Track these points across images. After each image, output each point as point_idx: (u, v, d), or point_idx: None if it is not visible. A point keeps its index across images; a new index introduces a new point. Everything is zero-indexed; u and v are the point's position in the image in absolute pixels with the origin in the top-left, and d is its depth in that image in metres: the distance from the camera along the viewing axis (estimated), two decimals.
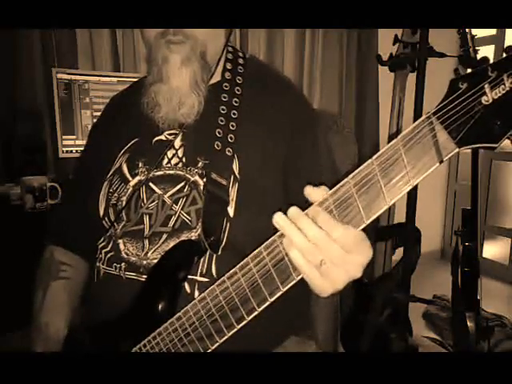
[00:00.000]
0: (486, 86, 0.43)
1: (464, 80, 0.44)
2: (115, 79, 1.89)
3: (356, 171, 0.48)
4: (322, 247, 0.49)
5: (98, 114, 0.96)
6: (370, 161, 0.48)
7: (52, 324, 0.79)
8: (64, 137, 1.80)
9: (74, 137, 1.82)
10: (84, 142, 0.97)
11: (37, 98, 1.89)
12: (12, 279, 1.27)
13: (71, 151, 1.82)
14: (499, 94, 0.43)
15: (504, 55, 0.43)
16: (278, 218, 0.50)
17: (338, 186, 0.49)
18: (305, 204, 0.50)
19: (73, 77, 1.80)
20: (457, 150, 0.46)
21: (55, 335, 0.77)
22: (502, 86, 0.43)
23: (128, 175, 0.80)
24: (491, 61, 0.44)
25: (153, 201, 0.76)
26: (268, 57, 2.50)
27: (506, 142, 0.46)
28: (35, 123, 1.84)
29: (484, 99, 0.44)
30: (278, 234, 0.52)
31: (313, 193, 0.50)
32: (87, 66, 2.04)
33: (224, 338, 0.59)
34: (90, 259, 0.83)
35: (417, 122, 0.46)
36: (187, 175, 0.76)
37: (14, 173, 1.66)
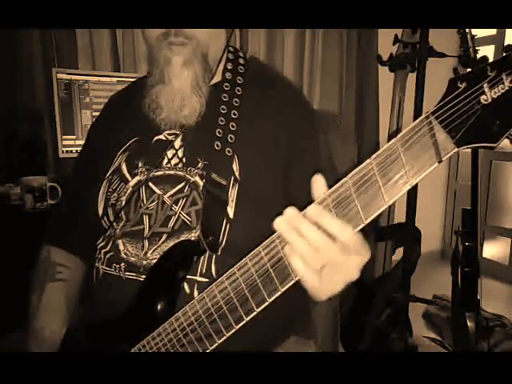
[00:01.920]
0: (485, 85, 0.43)
1: (463, 79, 0.44)
2: (115, 79, 1.89)
3: (355, 171, 0.48)
4: (323, 251, 0.49)
5: (98, 113, 0.96)
6: (368, 160, 0.48)
7: (48, 327, 0.78)
8: (64, 137, 1.80)
9: (74, 137, 1.82)
10: (83, 142, 0.96)
11: (37, 98, 1.89)
12: (12, 279, 1.27)
13: (71, 151, 1.82)
14: (498, 94, 0.43)
15: (503, 54, 0.43)
16: (280, 223, 0.50)
17: (336, 185, 0.49)
18: (305, 204, 0.50)
19: (73, 77, 1.80)
20: (456, 149, 0.46)
21: (51, 338, 0.77)
22: (501, 86, 0.43)
23: (127, 175, 0.80)
24: (490, 60, 0.44)
25: (152, 201, 0.76)
26: (268, 57, 2.50)
27: (506, 142, 0.46)
28: (35, 123, 1.84)
29: (483, 98, 0.43)
30: (276, 234, 0.52)
31: (319, 184, 0.50)
32: (87, 66, 2.04)
33: (223, 339, 0.59)
34: (89, 260, 0.83)
35: (415, 122, 0.46)
36: (187, 176, 0.76)
37: (13, 173, 1.66)
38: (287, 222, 0.49)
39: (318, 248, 0.49)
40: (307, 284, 0.51)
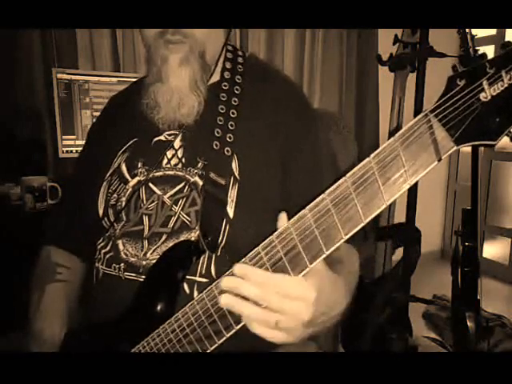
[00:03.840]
0: (485, 82, 0.43)
1: (462, 77, 0.44)
2: (115, 79, 1.89)
3: (354, 170, 0.48)
4: (272, 306, 0.50)
5: (98, 113, 0.96)
6: (367, 159, 0.47)
7: (48, 327, 0.78)
8: (64, 137, 1.80)
9: (73, 137, 1.82)
10: (84, 143, 0.97)
11: (37, 98, 1.89)
12: (12, 279, 1.27)
13: (71, 151, 1.82)
14: (498, 91, 0.42)
15: (502, 51, 0.43)
16: (225, 300, 0.52)
17: (335, 184, 0.49)
18: (304, 204, 0.50)
19: (73, 77, 1.80)
20: (455, 147, 0.45)
21: (50, 339, 0.76)
22: (501, 83, 0.42)
23: (127, 175, 0.80)
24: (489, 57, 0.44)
25: (152, 201, 0.76)
26: (268, 57, 2.50)
27: (507, 141, 0.46)
28: (35, 123, 1.84)
29: (482, 96, 0.43)
30: (275, 234, 0.52)
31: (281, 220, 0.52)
32: (87, 66, 2.04)
33: (223, 339, 0.59)
34: (89, 260, 0.83)
35: (414, 120, 0.46)
36: (187, 176, 0.76)
37: (13, 173, 1.66)
38: (229, 293, 0.52)
39: (263, 301, 0.50)
40: (276, 341, 0.53)
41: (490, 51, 2.75)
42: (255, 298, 0.51)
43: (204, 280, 0.70)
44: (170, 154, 0.78)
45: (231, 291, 0.52)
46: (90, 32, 2.02)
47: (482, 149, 2.07)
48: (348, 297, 0.62)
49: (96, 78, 1.84)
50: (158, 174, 0.77)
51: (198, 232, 0.71)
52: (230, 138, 0.75)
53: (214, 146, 0.75)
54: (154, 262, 0.71)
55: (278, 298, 0.51)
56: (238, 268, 0.52)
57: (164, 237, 0.73)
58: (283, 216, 0.51)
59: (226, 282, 0.53)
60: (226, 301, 0.52)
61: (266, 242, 0.53)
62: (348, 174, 0.48)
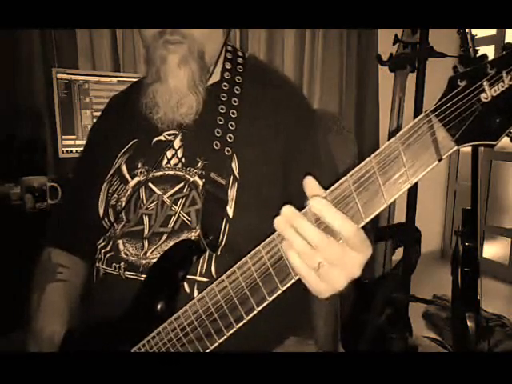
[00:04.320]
0: (485, 83, 0.43)
1: (463, 77, 0.44)
2: (115, 79, 1.89)
3: (355, 169, 0.48)
4: (320, 249, 0.48)
5: (98, 113, 0.96)
6: (368, 159, 0.47)
7: (48, 327, 0.78)
8: (64, 137, 1.80)
9: (74, 137, 1.82)
10: (84, 142, 0.97)
11: (37, 98, 1.89)
12: (12, 279, 1.27)
13: (71, 151, 1.82)
14: (498, 92, 0.43)
15: (503, 52, 0.43)
16: (279, 222, 0.49)
17: (336, 184, 0.49)
18: (304, 203, 0.50)
19: (73, 77, 1.80)
20: (456, 147, 0.45)
21: (50, 338, 0.76)
22: (501, 83, 0.42)
23: (127, 176, 0.80)
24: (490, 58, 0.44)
25: (152, 201, 0.76)
26: (268, 57, 2.50)
27: (507, 142, 0.46)
28: (35, 123, 1.84)
29: (483, 96, 0.43)
30: (276, 233, 0.52)
31: (311, 185, 0.50)
32: (87, 66, 2.04)
33: (223, 338, 0.59)
34: (89, 260, 0.83)
35: (415, 120, 0.46)
36: (187, 175, 0.76)
37: (13, 173, 1.66)
38: (284, 219, 0.49)
39: (316, 245, 0.48)
40: (306, 281, 0.51)
41: (490, 51, 2.75)
42: (313, 238, 0.48)
43: (204, 279, 0.70)
44: (169, 153, 0.78)
45: (288, 219, 0.49)
46: (90, 32, 2.02)
47: (481, 149, 2.07)
48: None
49: (96, 78, 1.85)
50: (157, 173, 0.77)
51: (198, 231, 0.71)
52: (230, 138, 0.75)
53: (215, 146, 0.75)
54: (154, 261, 0.71)
55: (336, 245, 0.48)
56: (315, 202, 0.48)
57: (164, 236, 0.73)
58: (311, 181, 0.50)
59: (286, 209, 0.49)
60: (279, 223, 0.49)
61: (267, 240, 0.53)
62: (349, 174, 0.48)
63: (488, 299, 1.75)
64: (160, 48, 0.73)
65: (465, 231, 1.64)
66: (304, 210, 0.49)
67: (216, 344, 0.60)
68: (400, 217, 1.58)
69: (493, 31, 2.84)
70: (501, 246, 3.04)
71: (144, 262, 0.72)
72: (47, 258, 0.86)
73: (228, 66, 0.82)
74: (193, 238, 0.72)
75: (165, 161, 0.78)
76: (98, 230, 0.80)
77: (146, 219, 0.75)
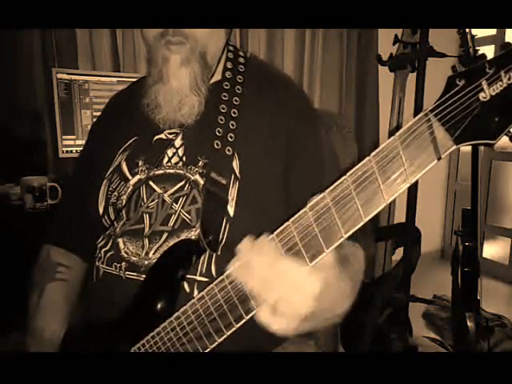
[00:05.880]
0: (484, 82, 0.43)
1: (461, 77, 0.44)
2: (115, 79, 1.89)
3: (354, 169, 0.48)
4: (274, 286, 0.48)
5: (98, 113, 0.96)
6: (367, 158, 0.47)
7: (47, 327, 0.78)
8: (64, 137, 1.80)
9: (73, 137, 1.82)
10: (84, 142, 0.97)
11: (37, 98, 1.89)
12: (12, 279, 1.27)
13: (71, 151, 1.82)
14: (497, 91, 0.43)
15: (501, 52, 0.43)
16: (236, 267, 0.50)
17: (335, 183, 0.49)
18: (305, 203, 0.50)
19: (73, 77, 1.80)
20: (454, 146, 0.46)
21: (50, 338, 0.76)
22: (500, 83, 0.43)
23: (128, 174, 0.80)
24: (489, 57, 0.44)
25: (153, 200, 0.76)
26: (268, 57, 2.50)
27: (507, 142, 0.46)
28: (35, 123, 1.84)
29: (482, 96, 0.43)
30: (276, 232, 0.52)
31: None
32: (87, 66, 2.04)
33: (223, 338, 0.59)
34: (89, 259, 0.83)
35: (414, 120, 0.46)
36: (187, 174, 0.76)
37: (13, 173, 1.66)
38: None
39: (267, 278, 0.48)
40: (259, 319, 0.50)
41: (489, 51, 2.75)
42: (262, 275, 0.49)
43: (204, 279, 0.70)
44: (170, 152, 0.78)
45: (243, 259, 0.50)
46: (90, 32, 2.02)
47: (481, 149, 2.07)
48: (352, 297, 0.62)
49: (96, 78, 1.85)
50: (158, 172, 0.77)
51: (198, 231, 0.71)
52: (231, 137, 0.75)
53: (215, 145, 0.75)
54: (154, 260, 0.71)
55: (282, 282, 0.48)
56: (260, 241, 0.50)
57: (164, 235, 0.73)
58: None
59: (243, 246, 0.50)
60: (236, 268, 0.50)
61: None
62: (348, 173, 0.48)
63: (488, 299, 1.75)
64: (162, 48, 0.73)
65: (465, 231, 1.64)
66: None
67: (216, 344, 0.60)
68: (400, 217, 1.58)
69: (493, 31, 2.84)
70: (501, 246, 3.04)
71: (145, 261, 0.72)
72: (46, 256, 0.86)
73: (229, 65, 0.82)
74: (193, 237, 0.72)
75: (165, 159, 0.78)
76: (98, 229, 0.80)
77: (146, 218, 0.75)
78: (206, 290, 0.59)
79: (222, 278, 0.58)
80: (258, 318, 0.50)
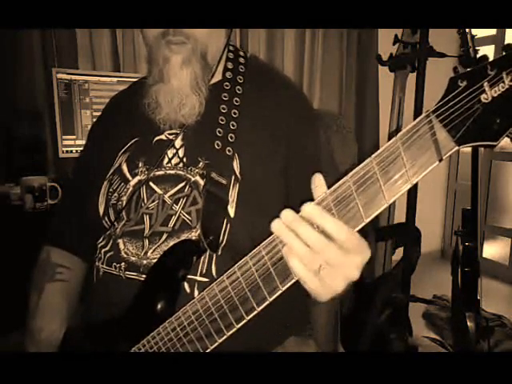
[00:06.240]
0: (486, 83, 0.43)
1: (463, 78, 0.44)
2: (115, 79, 1.89)
3: (355, 170, 0.48)
4: (320, 251, 0.48)
5: (98, 113, 0.96)
6: (369, 159, 0.48)
7: (47, 327, 0.78)
8: (64, 137, 1.80)
9: (73, 137, 1.82)
10: (84, 142, 0.97)
11: (37, 98, 1.89)
12: (12, 279, 1.27)
13: (71, 151, 1.82)
14: (499, 92, 0.43)
15: (503, 53, 0.43)
16: (276, 226, 0.50)
17: (337, 184, 0.49)
18: (305, 203, 0.50)
19: (73, 77, 1.80)
20: (456, 148, 0.46)
21: (49, 338, 0.76)
22: (502, 84, 0.43)
23: (128, 175, 0.80)
24: (490, 59, 0.44)
25: (153, 200, 0.76)
26: (268, 57, 2.50)
27: (507, 142, 0.46)
28: (35, 123, 1.84)
29: (483, 97, 0.43)
30: None
31: (318, 182, 0.50)
32: (87, 66, 2.04)
33: (223, 338, 0.59)
34: (89, 260, 0.83)
35: (416, 121, 0.46)
36: (188, 175, 0.76)
37: (14, 173, 1.66)
38: (284, 223, 0.49)
39: (315, 248, 0.48)
40: (307, 285, 0.51)
41: (490, 51, 2.75)
42: (313, 241, 0.48)
43: (204, 279, 0.70)
44: (170, 153, 0.78)
45: (288, 224, 0.49)
46: (90, 32, 2.02)
47: (482, 149, 2.07)
48: None
49: (96, 78, 1.84)
50: (158, 173, 0.77)
51: (198, 231, 0.71)
52: (231, 137, 0.75)
53: (216, 146, 0.75)
54: (154, 261, 0.71)
55: (336, 248, 0.49)
56: (307, 208, 0.49)
57: (165, 236, 0.73)
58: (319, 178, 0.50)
59: (286, 213, 0.49)
60: (277, 227, 0.49)
61: (268, 240, 0.53)
62: (349, 174, 0.48)
63: (488, 299, 1.75)
64: (163, 49, 0.73)
65: (465, 231, 1.64)
66: (300, 214, 0.50)
67: (216, 344, 0.60)
68: (400, 217, 1.58)
69: (493, 31, 2.84)
70: (501, 246, 3.04)
71: (145, 262, 0.72)
72: (46, 256, 0.86)
73: (230, 65, 0.82)
74: (193, 237, 0.72)
75: (166, 160, 0.78)
76: (98, 229, 0.80)
77: (146, 218, 0.75)
78: (206, 291, 0.59)
79: (222, 278, 0.58)
80: (292, 267, 0.50)
